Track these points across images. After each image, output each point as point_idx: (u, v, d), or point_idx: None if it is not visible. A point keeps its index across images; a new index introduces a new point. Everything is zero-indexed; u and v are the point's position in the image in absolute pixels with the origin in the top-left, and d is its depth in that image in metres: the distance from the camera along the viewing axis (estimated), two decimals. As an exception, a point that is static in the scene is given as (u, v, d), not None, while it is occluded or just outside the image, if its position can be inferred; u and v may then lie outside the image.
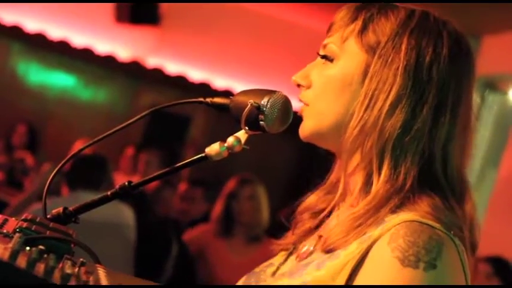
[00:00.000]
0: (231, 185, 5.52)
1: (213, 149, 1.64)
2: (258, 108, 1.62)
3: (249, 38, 10.46)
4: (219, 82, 10.50)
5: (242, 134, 1.64)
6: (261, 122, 1.62)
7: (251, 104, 1.62)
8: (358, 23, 1.61)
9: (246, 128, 1.64)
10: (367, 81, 1.56)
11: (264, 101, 1.62)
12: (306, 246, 1.67)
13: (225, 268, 5.29)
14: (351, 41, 1.61)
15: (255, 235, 5.41)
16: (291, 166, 10.81)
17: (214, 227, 5.46)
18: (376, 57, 1.57)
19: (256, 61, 10.44)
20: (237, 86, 10.13)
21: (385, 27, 1.58)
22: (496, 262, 5.49)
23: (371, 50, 1.58)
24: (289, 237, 1.76)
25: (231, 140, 1.63)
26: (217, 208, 5.51)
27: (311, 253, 1.62)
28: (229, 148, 1.63)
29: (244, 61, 10.45)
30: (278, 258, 1.76)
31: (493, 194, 7.32)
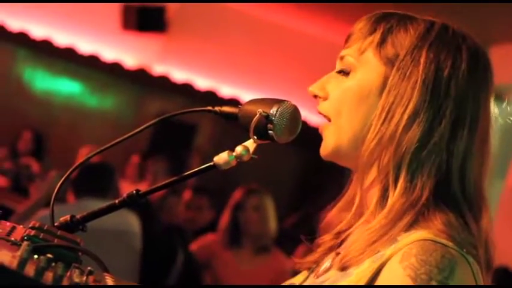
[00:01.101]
0: (237, 195, 5.51)
1: (222, 157, 1.63)
2: (267, 118, 1.61)
3: (256, 46, 10.47)
4: (226, 90, 10.51)
5: (251, 143, 1.63)
6: (270, 132, 1.61)
7: (260, 113, 1.61)
8: (377, 35, 1.60)
9: (255, 137, 1.63)
10: (384, 94, 1.55)
11: (273, 110, 1.61)
12: (325, 264, 1.66)
13: (233, 278, 5.28)
14: (369, 53, 1.60)
15: (262, 245, 5.40)
16: (296, 175, 10.81)
17: (221, 237, 5.45)
18: (394, 70, 1.56)
19: (262, 69, 10.45)
20: (244, 94, 10.14)
21: (404, 40, 1.57)
22: (499, 272, 5.47)
23: (389, 62, 1.57)
24: (311, 256, 1.75)
25: (239, 149, 1.62)
26: (224, 219, 5.50)
27: (327, 270, 1.61)
28: (237, 157, 1.62)
29: (250, 69, 10.45)
30: (299, 277, 1.76)
31: (500, 205, 7.31)
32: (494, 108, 1.62)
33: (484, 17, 6.55)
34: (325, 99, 1.65)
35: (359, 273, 1.45)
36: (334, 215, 1.74)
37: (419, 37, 1.57)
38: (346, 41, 1.67)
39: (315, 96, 1.67)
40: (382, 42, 1.59)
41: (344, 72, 1.63)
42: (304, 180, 10.62)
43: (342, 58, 1.65)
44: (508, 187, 7.35)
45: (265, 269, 5.31)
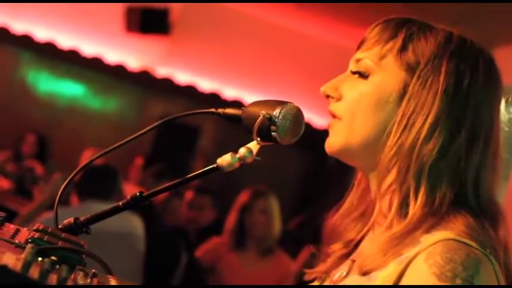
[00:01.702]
0: (244, 197, 5.50)
1: (225, 159, 1.64)
2: (270, 120, 1.61)
3: (259, 48, 10.47)
4: (229, 92, 10.50)
5: (254, 145, 1.64)
6: (273, 133, 1.62)
7: (263, 115, 1.61)
8: (398, 42, 1.61)
9: (258, 139, 1.63)
10: (405, 101, 1.57)
11: (276, 112, 1.62)
12: (339, 272, 1.66)
13: (237, 280, 5.28)
14: (389, 58, 1.61)
15: (267, 247, 5.40)
16: (299, 177, 10.79)
17: (227, 239, 5.44)
18: (415, 78, 1.57)
19: (266, 71, 10.44)
20: (247, 97, 10.13)
21: (424, 48, 1.58)
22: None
23: (410, 69, 1.58)
24: (321, 266, 1.75)
25: (242, 151, 1.63)
26: (230, 220, 5.49)
27: (345, 277, 1.62)
28: (241, 159, 1.63)
29: (254, 71, 10.45)
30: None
31: (504, 206, 7.29)
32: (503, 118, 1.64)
33: (488, 18, 6.55)
34: (339, 99, 1.65)
35: (386, 277, 1.46)
36: (338, 222, 1.74)
37: (440, 46, 1.58)
38: (361, 44, 1.67)
39: (327, 96, 1.67)
40: (403, 48, 1.60)
41: (361, 74, 1.63)
42: (307, 182, 10.61)
43: (358, 60, 1.65)
44: (511, 189, 7.33)
45: (270, 271, 5.31)
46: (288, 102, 1.65)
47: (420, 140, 1.53)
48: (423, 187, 1.51)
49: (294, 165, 10.62)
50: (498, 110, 1.62)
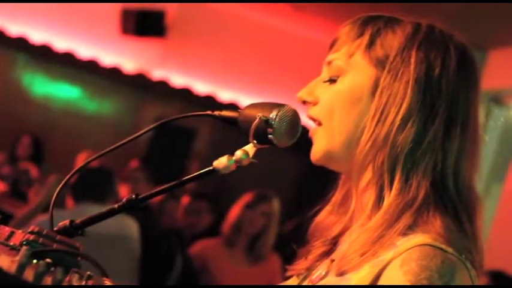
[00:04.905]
0: (248, 197, 5.48)
1: (221, 162, 1.63)
2: (267, 122, 1.61)
3: (255, 50, 10.48)
4: (225, 95, 10.51)
5: (250, 148, 1.63)
6: (270, 136, 1.61)
7: (260, 118, 1.61)
8: (365, 38, 1.60)
9: (255, 141, 1.62)
10: (377, 95, 1.56)
11: (273, 115, 1.61)
12: (319, 271, 1.65)
13: (227, 279, 5.28)
14: (358, 55, 1.60)
15: (259, 254, 5.39)
16: (294, 180, 10.79)
17: (224, 235, 5.43)
18: (385, 71, 1.56)
19: (261, 74, 10.45)
20: (243, 99, 10.14)
21: (392, 41, 1.58)
22: (495, 276, 5.46)
23: (380, 64, 1.57)
24: (302, 263, 1.74)
25: (239, 153, 1.62)
26: (232, 214, 5.46)
27: (323, 277, 1.61)
28: (237, 161, 1.62)
29: (249, 74, 10.45)
30: (290, 282, 1.75)
31: (499, 209, 7.30)
32: (482, 110, 1.63)
33: (484, 21, 6.56)
34: (315, 104, 1.65)
35: (360, 279, 1.45)
36: (322, 219, 1.73)
37: (408, 38, 1.58)
38: (332, 45, 1.68)
39: (304, 102, 1.67)
40: (370, 44, 1.60)
41: (332, 81, 1.63)
42: (302, 185, 10.60)
43: (329, 63, 1.65)
44: (507, 191, 7.35)
45: (260, 270, 5.32)
46: (284, 104, 1.64)
47: (394, 131, 1.52)
48: (398, 176, 1.51)
49: (289, 168, 10.62)
50: (476, 96, 1.60)
